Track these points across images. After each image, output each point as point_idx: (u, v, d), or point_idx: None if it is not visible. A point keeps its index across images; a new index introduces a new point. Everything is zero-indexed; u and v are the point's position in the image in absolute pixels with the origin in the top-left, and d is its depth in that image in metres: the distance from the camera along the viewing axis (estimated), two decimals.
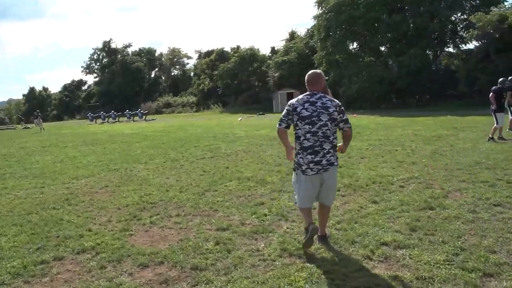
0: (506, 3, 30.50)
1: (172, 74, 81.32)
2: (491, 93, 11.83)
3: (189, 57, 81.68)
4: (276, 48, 53.64)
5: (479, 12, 26.76)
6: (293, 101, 4.46)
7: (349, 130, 4.48)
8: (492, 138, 11.29)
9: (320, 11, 35.28)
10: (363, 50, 35.51)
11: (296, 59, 42.11)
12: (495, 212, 5.28)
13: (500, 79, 12.09)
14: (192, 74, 75.41)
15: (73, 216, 6.08)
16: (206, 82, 59.41)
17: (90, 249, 4.70)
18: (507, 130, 13.33)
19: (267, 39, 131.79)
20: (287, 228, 5.12)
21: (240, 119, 30.43)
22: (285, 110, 4.46)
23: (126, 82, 68.06)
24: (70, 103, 79.54)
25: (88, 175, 9.60)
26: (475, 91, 27.22)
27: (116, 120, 41.59)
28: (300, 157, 4.38)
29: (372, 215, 5.40)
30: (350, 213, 5.56)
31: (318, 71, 4.63)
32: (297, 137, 4.42)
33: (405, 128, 16.37)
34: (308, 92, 4.46)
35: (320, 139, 4.30)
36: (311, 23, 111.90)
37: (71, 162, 11.93)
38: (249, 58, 50.33)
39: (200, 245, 4.63)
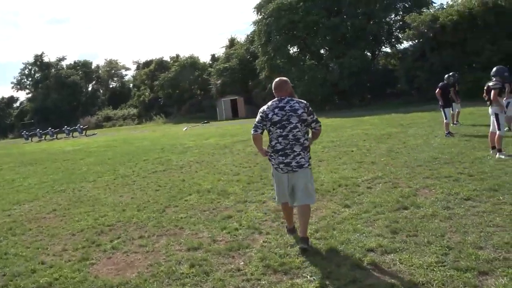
0: (434, 4, 32.13)
1: (111, 86, 78.76)
2: (438, 89, 12.14)
3: (127, 68, 79.66)
4: (216, 56, 53.48)
5: (413, 13, 27.88)
6: (264, 108, 4.61)
7: (320, 129, 4.72)
8: (449, 133, 11.49)
9: (260, 17, 35.43)
10: (304, 54, 36.02)
11: (237, 66, 42.06)
12: (468, 207, 5.26)
13: (446, 75, 12.45)
14: (131, 85, 73.44)
15: (20, 248, 5.41)
16: (147, 93, 58.02)
17: (47, 286, 4.12)
18: (451, 124, 13.78)
19: (206, 46, 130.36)
20: (263, 242, 4.79)
21: (185, 129, 29.84)
22: (258, 117, 4.57)
23: (62, 97, 64.84)
24: (1, 122, 74.70)
25: (31, 199, 8.77)
26: (414, 89, 28.29)
27: (54, 137, 39.41)
28: (272, 158, 4.61)
29: (348, 220, 5.19)
30: (325, 220, 5.33)
31: (283, 78, 4.77)
32: (270, 141, 4.62)
33: (354, 128, 16.57)
34: (276, 98, 4.61)
35: (290, 142, 4.47)
36: (248, 29, 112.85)
37: (9, 186, 10.94)
38: (190, 66, 49.75)
39: (174, 269, 4.20)
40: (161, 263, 4.40)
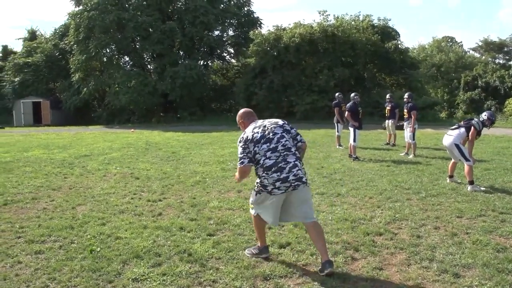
0: (266, 26, 32.69)
1: None
2: (347, 112, 10.93)
3: None
4: (9, 48, 44.46)
5: (257, 30, 27.44)
6: (242, 136, 4.08)
7: (305, 142, 4.24)
8: (356, 157, 10.44)
9: (80, 8, 30.26)
10: (133, 57, 32.09)
11: (43, 62, 35.33)
12: None
13: (352, 94, 11.41)
14: None
15: None
16: None
17: None
18: (337, 147, 12.92)
19: None
20: None
21: None
22: (240, 148, 4.05)
23: None
24: None
25: None
26: (250, 106, 27.71)
27: None
28: (265, 179, 3.94)
29: None
30: None
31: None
32: (256, 169, 4.05)
33: (221, 146, 14.51)
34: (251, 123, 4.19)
35: (282, 153, 3.95)
36: (45, 26, 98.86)
37: None
38: None
39: None
40: None
